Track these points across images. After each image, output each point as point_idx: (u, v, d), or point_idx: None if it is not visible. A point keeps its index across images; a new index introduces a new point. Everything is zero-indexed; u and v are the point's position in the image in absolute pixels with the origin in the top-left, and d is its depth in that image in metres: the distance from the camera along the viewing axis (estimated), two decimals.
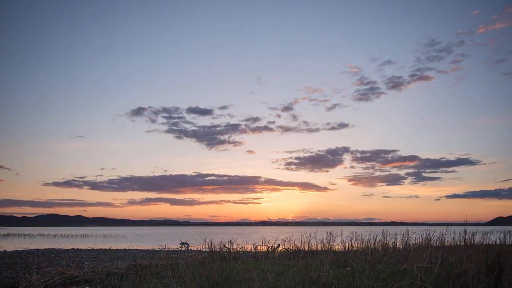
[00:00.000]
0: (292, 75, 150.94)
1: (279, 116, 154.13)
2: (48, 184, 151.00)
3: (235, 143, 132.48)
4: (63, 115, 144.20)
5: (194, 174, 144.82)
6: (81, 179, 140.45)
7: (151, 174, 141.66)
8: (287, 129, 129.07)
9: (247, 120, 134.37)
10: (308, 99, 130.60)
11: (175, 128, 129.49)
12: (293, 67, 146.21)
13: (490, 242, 9.11)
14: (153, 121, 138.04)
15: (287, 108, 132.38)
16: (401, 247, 10.31)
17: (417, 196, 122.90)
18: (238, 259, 9.96)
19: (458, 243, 9.58)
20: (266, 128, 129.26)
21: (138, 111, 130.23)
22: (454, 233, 9.80)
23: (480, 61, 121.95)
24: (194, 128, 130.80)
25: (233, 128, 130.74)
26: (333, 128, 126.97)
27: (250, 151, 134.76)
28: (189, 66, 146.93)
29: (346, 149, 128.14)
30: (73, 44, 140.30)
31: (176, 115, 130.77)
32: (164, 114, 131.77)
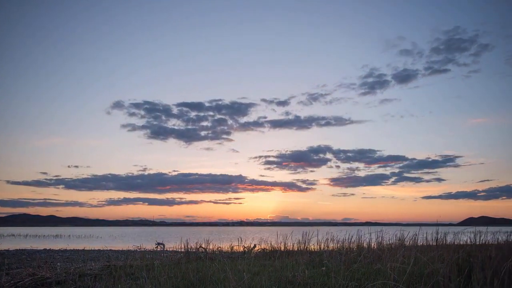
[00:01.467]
0: (288, 68, 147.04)
1: (272, 110, 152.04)
2: (19, 182, 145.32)
3: (219, 139, 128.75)
4: (35, 110, 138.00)
5: (174, 173, 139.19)
6: (54, 178, 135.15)
7: (129, 173, 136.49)
8: (276, 126, 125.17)
9: (234, 115, 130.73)
10: (307, 94, 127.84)
11: (155, 124, 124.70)
12: (288, 60, 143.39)
13: (461, 242, 9.34)
14: (132, 116, 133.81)
15: (280, 103, 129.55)
16: (375, 247, 10.46)
17: (393, 197, 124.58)
18: (214, 260, 9.92)
19: (430, 243, 9.79)
20: (254, 124, 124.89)
21: (116, 106, 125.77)
22: (426, 233, 10.01)
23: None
24: (176, 124, 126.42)
25: (219, 124, 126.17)
26: (321, 125, 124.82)
27: (234, 150, 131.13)
28: (174, 59, 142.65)
29: (329, 148, 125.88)
30: (48, 38, 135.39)
31: (156, 110, 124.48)
32: (144, 109, 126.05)
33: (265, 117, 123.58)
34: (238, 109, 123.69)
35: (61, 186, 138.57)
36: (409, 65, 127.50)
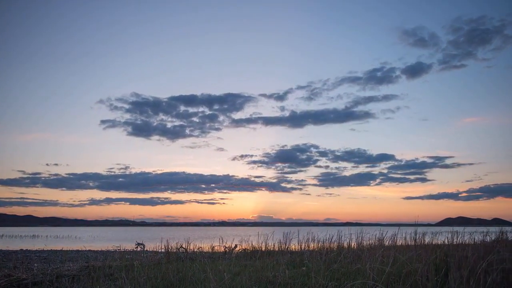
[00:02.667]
0: (286, 63, 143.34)
1: (268, 106, 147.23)
2: None
3: (207, 137, 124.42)
4: (11, 105, 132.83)
5: (159, 172, 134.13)
6: (31, 176, 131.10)
7: (111, 171, 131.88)
8: (269, 123, 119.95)
9: (227, 111, 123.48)
10: (306, 89, 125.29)
11: (140, 120, 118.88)
12: (288, 54, 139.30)
13: (439, 242, 9.51)
14: (115, 111, 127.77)
15: (279, 98, 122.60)
16: (355, 247, 10.56)
17: (375, 197, 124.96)
18: (195, 260, 9.88)
19: (409, 243, 9.93)
20: (247, 121, 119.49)
21: (100, 101, 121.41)
22: (405, 233, 10.16)
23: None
24: (163, 120, 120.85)
25: (210, 120, 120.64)
26: (315, 123, 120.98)
27: (221, 149, 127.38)
28: (164, 53, 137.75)
29: (319, 148, 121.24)
30: (30, 32, 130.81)
31: (144, 105, 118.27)
32: (130, 104, 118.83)
33: (259, 113, 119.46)
34: (232, 104, 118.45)
35: (39, 185, 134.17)
36: (424, 58, 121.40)
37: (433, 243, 9.35)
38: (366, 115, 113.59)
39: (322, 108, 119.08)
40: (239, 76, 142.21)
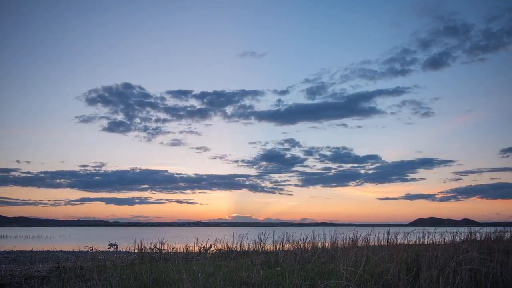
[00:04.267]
0: (287, 53, 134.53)
1: (264, 101, 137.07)
2: None
3: (191, 134, 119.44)
4: None
5: (137, 170, 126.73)
6: (1, 174, 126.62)
7: (86, 170, 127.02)
8: (262, 118, 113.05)
9: (219, 106, 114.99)
10: (310, 83, 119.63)
11: (121, 115, 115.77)
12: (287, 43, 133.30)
13: (411, 242, 9.69)
14: (90, 106, 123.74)
15: (280, 93, 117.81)
16: (329, 247, 10.67)
17: (351, 198, 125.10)
18: (169, 260, 9.78)
19: (382, 243, 10.09)
20: (240, 115, 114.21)
21: (74, 94, 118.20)
22: (378, 233, 10.32)
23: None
24: (142, 117, 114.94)
25: (199, 116, 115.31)
26: (308, 120, 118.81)
27: (204, 147, 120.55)
28: (164, 45, 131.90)
29: (302, 147, 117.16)
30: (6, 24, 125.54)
31: (121, 100, 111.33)
32: (115, 97, 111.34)
33: (251, 109, 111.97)
34: (227, 98, 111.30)
35: (9, 183, 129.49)
36: (449, 48, 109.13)
37: (405, 243, 9.53)
38: (364, 111, 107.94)
39: (321, 103, 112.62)
40: (243, 69, 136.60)
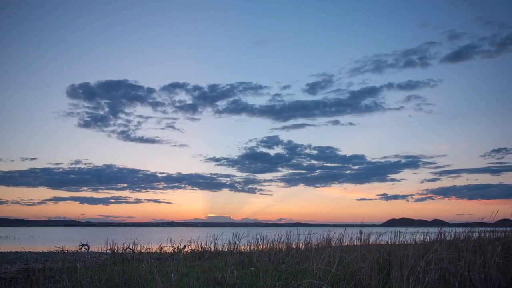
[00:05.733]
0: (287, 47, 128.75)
1: (258, 97, 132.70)
2: None
3: (174, 130, 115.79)
4: None
5: (114, 169, 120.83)
6: None
7: (60, 167, 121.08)
8: (253, 114, 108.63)
9: (211, 101, 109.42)
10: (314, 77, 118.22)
11: (101, 111, 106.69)
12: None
13: (383, 242, 9.85)
14: (73, 100, 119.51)
15: (283, 88, 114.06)
16: (303, 247, 10.74)
17: (328, 198, 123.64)
18: (142, 261, 9.65)
19: (355, 243, 10.22)
20: (232, 111, 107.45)
21: (44, 87, 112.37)
22: (352, 233, 10.44)
23: None
24: (128, 112, 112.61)
25: (186, 111, 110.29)
26: (299, 117, 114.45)
27: (184, 145, 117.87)
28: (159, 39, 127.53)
29: (290, 144, 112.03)
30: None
31: (106, 94, 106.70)
32: (100, 89, 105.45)
33: (244, 104, 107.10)
34: (222, 93, 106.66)
35: None
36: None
37: (377, 243, 9.68)
38: (360, 108, 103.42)
39: (320, 99, 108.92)
40: (246, 63, 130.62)
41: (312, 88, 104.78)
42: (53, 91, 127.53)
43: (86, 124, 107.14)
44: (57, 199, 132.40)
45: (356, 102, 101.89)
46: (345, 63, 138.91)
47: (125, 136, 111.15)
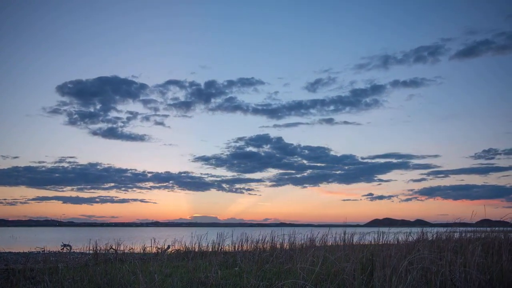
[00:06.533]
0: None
1: (255, 94, 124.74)
2: None
3: (162, 128, 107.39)
4: None
5: (99, 167, 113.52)
6: None
7: (43, 166, 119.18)
8: (248, 112, 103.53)
9: (205, 98, 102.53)
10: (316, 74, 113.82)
11: (90, 108, 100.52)
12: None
13: (366, 242, 9.94)
14: (63, 96, 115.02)
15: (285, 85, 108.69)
16: (287, 247, 10.77)
17: (317, 199, 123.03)
18: (125, 261, 9.56)
19: (339, 243, 10.30)
20: (225, 108, 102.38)
21: (33, 84, 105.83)
22: (336, 233, 10.52)
23: None
24: (119, 109, 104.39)
25: (178, 108, 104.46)
26: (292, 115, 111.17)
27: (172, 144, 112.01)
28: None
29: (280, 143, 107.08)
30: None
31: (88, 91, 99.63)
32: (70, 92, 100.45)
33: (239, 102, 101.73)
34: (219, 89, 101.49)
35: None
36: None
37: (361, 243, 9.76)
38: (359, 105, 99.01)
39: (320, 97, 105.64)
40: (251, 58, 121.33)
41: (313, 85, 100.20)
42: (42, 88, 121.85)
43: (72, 122, 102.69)
44: (39, 199, 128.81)
45: (358, 100, 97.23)
46: (350, 60, 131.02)
47: (113, 134, 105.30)
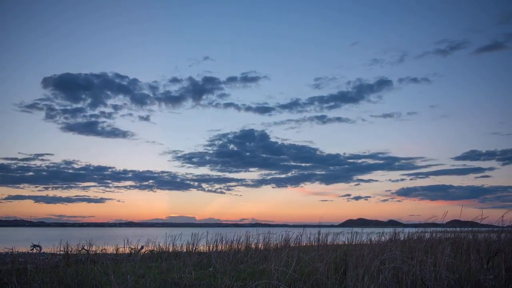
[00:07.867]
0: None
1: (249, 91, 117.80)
2: None
3: (147, 123, 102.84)
4: None
5: (76, 166, 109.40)
6: None
7: (14, 163, 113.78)
8: (240, 109, 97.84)
9: (197, 95, 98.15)
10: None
11: (75, 105, 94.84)
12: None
13: (340, 242, 10.06)
14: (46, 91, 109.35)
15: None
16: (262, 247, 10.79)
17: (296, 199, 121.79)
18: (97, 262, 9.39)
19: (313, 243, 10.38)
20: (214, 106, 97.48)
21: (15, 78, 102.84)
22: (310, 234, 10.59)
23: None
24: (90, 107, 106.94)
25: (169, 103, 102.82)
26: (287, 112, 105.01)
27: (155, 142, 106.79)
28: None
29: (266, 140, 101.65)
30: None
31: (73, 86, 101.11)
32: (50, 86, 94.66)
33: (231, 99, 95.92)
34: (215, 85, 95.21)
35: None
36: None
37: (335, 243, 9.87)
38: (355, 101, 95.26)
39: (320, 95, 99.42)
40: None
41: (317, 81, 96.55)
42: (23, 83, 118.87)
43: (50, 117, 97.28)
44: (11, 198, 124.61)
45: (361, 97, 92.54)
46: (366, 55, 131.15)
47: (93, 130, 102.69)
